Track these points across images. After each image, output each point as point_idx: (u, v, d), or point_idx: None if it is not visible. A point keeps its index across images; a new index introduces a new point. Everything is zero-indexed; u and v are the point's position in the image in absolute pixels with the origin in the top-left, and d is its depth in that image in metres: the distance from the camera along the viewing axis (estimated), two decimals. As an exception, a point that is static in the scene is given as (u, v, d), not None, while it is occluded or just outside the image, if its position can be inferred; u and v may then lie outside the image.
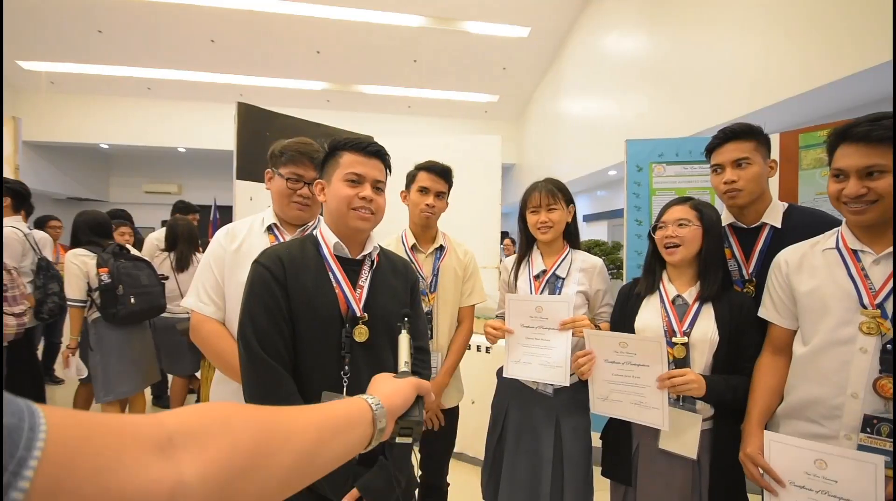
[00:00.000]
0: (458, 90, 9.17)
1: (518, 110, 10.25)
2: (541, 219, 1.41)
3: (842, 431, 0.96)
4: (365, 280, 0.98)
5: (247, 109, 2.42)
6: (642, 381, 1.16)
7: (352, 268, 0.98)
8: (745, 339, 1.16)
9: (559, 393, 1.38)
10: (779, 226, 1.29)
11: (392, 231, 1.66)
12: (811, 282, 1.04)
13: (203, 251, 3.09)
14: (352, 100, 9.41)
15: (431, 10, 6.83)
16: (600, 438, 1.38)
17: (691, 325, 1.19)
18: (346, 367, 0.93)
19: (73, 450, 0.26)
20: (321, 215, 1.19)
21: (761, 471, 1.02)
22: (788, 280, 1.10)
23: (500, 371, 1.59)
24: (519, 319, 1.35)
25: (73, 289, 2.34)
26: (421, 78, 8.64)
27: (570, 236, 1.48)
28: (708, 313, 1.19)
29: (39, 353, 3.41)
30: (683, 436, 1.15)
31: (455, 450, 1.65)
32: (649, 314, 1.27)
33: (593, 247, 4.82)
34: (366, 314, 0.94)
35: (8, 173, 2.86)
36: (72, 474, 0.25)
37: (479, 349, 2.67)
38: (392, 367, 1.00)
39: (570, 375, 1.29)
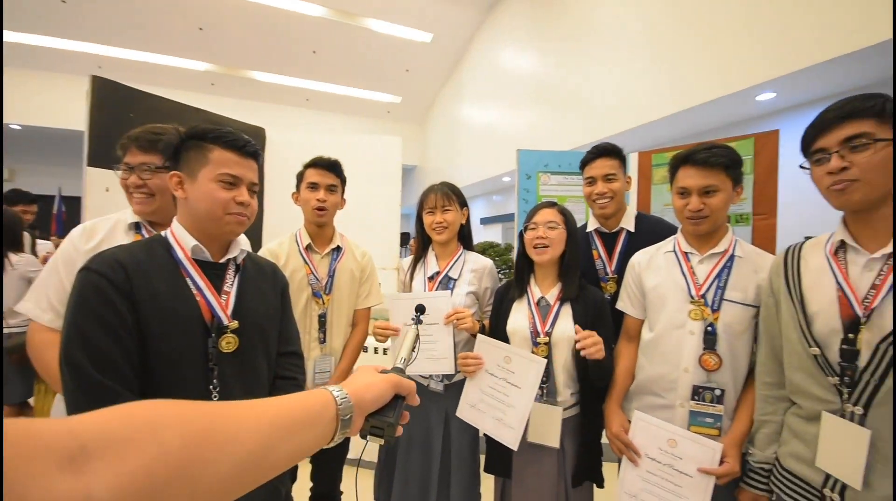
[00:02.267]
0: (360, 88, 8.99)
1: (421, 113, 10.41)
2: (436, 219, 1.45)
3: (677, 400, 1.16)
4: (231, 285, 0.91)
5: (103, 84, 2.07)
6: (510, 400, 1.24)
7: (214, 273, 0.89)
8: (599, 331, 1.28)
9: (449, 389, 1.43)
10: (633, 230, 1.52)
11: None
12: (656, 279, 1.25)
13: (24, 251, 2.57)
14: (241, 86, 8.64)
15: (333, 1, 6.60)
16: (483, 434, 1.43)
17: (552, 325, 1.28)
18: (215, 380, 0.85)
19: None
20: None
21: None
22: (639, 278, 1.29)
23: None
24: (402, 318, 1.36)
25: None
26: (321, 71, 8.29)
27: (464, 238, 1.54)
28: (567, 312, 1.29)
29: None
30: (548, 429, 1.26)
31: (349, 456, 1.61)
32: (519, 316, 1.33)
33: (488, 248, 5.10)
34: (235, 322, 0.87)
35: None
36: None
37: (375, 351, 2.65)
38: (266, 377, 0.94)
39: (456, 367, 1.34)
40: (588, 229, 1.59)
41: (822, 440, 0.88)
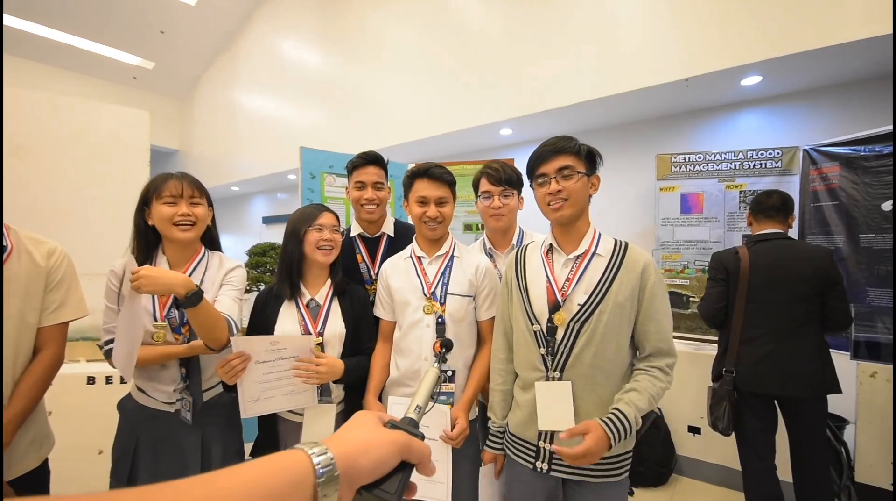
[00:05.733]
0: (91, 39, 6.90)
1: (183, 88, 8.74)
2: (181, 211, 1.21)
3: (421, 386, 1.33)
4: None
5: None
6: (290, 371, 1.22)
7: None
8: (362, 325, 1.41)
9: (200, 416, 1.26)
10: (393, 235, 1.66)
11: None
12: (399, 282, 1.40)
13: None
14: None
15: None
16: (250, 455, 1.34)
17: (324, 325, 1.33)
18: None
19: None
20: None
21: None
22: (387, 283, 1.42)
23: (120, 403, 1.31)
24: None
25: None
26: (23, 4, 5.99)
27: (211, 241, 1.37)
28: (336, 310, 1.36)
29: None
30: (323, 426, 1.28)
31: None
32: (287, 319, 1.33)
33: (269, 250, 4.72)
34: None
35: None
36: None
37: (108, 380, 2.09)
38: None
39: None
40: (352, 234, 1.65)
41: (539, 405, 1.11)
